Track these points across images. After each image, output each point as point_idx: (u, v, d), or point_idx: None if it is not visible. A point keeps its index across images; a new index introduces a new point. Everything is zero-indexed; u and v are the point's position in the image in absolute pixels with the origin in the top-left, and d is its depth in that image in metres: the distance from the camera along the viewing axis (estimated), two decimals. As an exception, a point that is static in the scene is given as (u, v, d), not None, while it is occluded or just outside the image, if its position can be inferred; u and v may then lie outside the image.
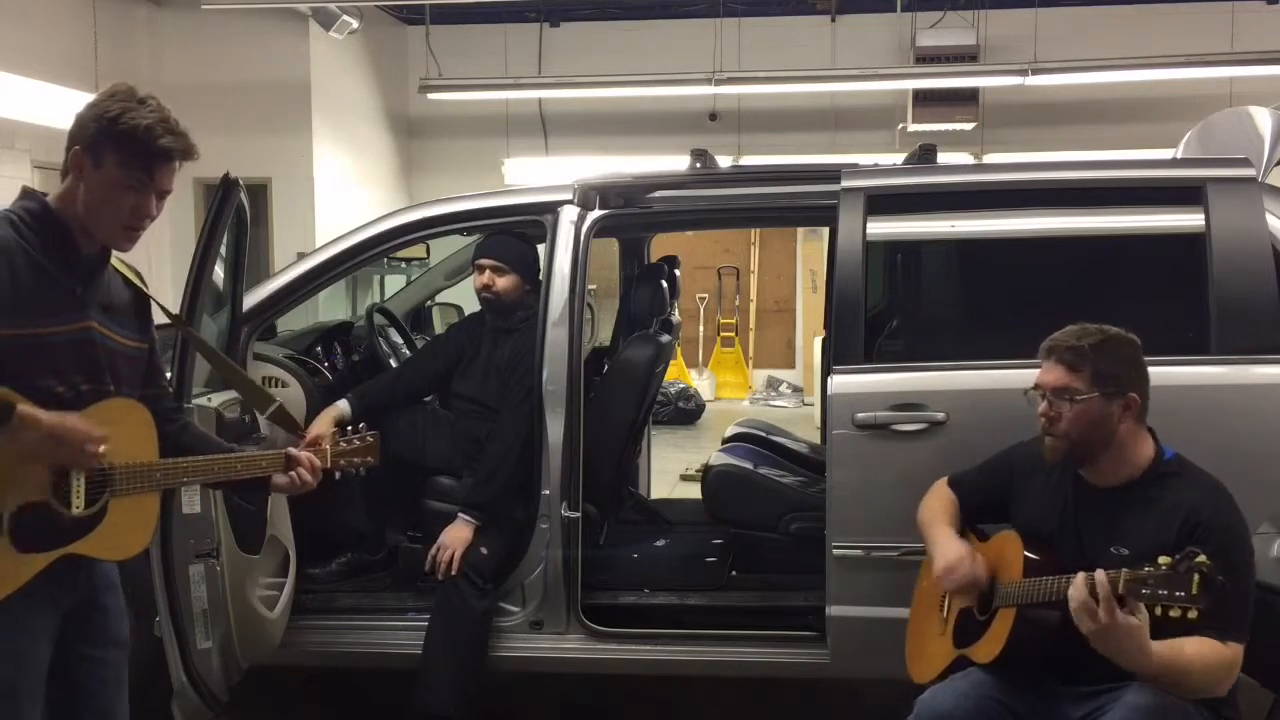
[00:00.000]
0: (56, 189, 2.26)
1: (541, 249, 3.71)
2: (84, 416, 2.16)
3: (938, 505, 2.95)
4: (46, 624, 2.25)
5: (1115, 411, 2.56)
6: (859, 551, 3.31)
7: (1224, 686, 2.41)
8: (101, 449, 2.13)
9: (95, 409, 2.21)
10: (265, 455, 2.54)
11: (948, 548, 2.78)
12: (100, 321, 2.26)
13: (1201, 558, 2.16)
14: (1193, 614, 2.17)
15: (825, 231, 5.06)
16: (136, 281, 2.42)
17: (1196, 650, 2.34)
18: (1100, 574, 2.27)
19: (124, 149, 2.18)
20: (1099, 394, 2.55)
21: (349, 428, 2.81)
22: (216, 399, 3.24)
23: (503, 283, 3.83)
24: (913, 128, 9.93)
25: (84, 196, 2.20)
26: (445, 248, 5.21)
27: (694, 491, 4.85)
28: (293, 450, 2.56)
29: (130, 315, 2.38)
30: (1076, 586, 2.30)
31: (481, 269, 3.86)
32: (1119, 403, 2.56)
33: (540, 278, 3.71)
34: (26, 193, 2.26)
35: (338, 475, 2.71)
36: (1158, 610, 2.21)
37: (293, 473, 2.54)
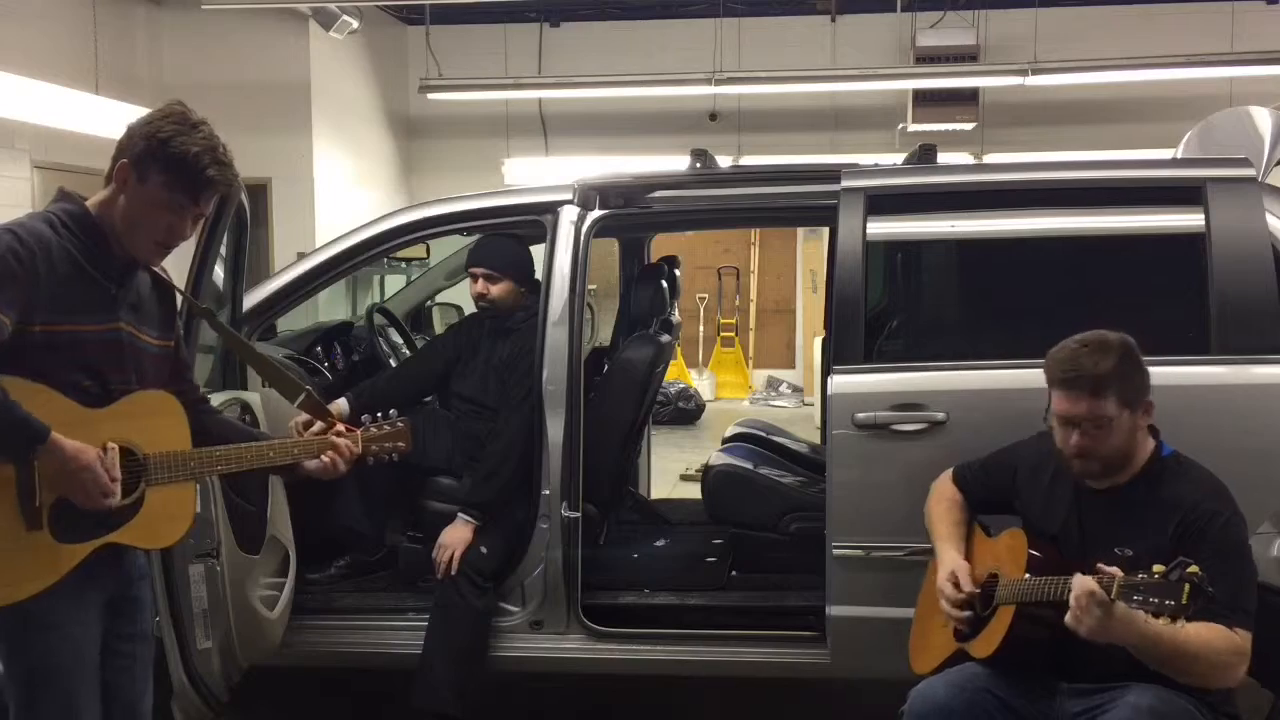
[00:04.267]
0: (97, 194, 2.31)
1: (541, 249, 3.71)
2: (118, 409, 2.25)
3: (942, 510, 2.94)
4: (96, 615, 2.33)
5: (1139, 420, 2.58)
6: (859, 551, 3.31)
7: (1235, 674, 2.40)
8: (111, 503, 2.20)
9: (128, 400, 2.29)
10: (299, 442, 2.58)
11: (944, 562, 2.79)
12: (130, 321, 2.33)
13: (1193, 568, 2.17)
14: (1181, 622, 2.18)
15: (825, 231, 5.06)
16: (163, 275, 2.48)
17: (1197, 632, 2.33)
18: (1092, 582, 2.28)
19: (171, 172, 2.23)
20: (1122, 409, 2.55)
21: (379, 414, 2.82)
22: (216, 399, 3.23)
23: (497, 290, 3.83)
24: (913, 128, 9.93)
25: (123, 209, 2.26)
26: (445, 248, 5.22)
27: (694, 491, 4.85)
28: (333, 437, 2.60)
29: (156, 313, 2.44)
30: (1076, 594, 2.31)
31: (475, 277, 3.86)
32: (1140, 409, 2.58)
33: (538, 278, 3.71)
34: (65, 194, 2.32)
35: (370, 461, 2.74)
36: (1149, 616, 2.22)
37: (325, 457, 2.58)
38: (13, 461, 2.11)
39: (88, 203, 2.30)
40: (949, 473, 3.01)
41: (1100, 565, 2.33)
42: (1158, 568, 2.22)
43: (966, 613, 2.70)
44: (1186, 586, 2.16)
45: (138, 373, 2.34)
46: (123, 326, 2.30)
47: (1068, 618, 2.34)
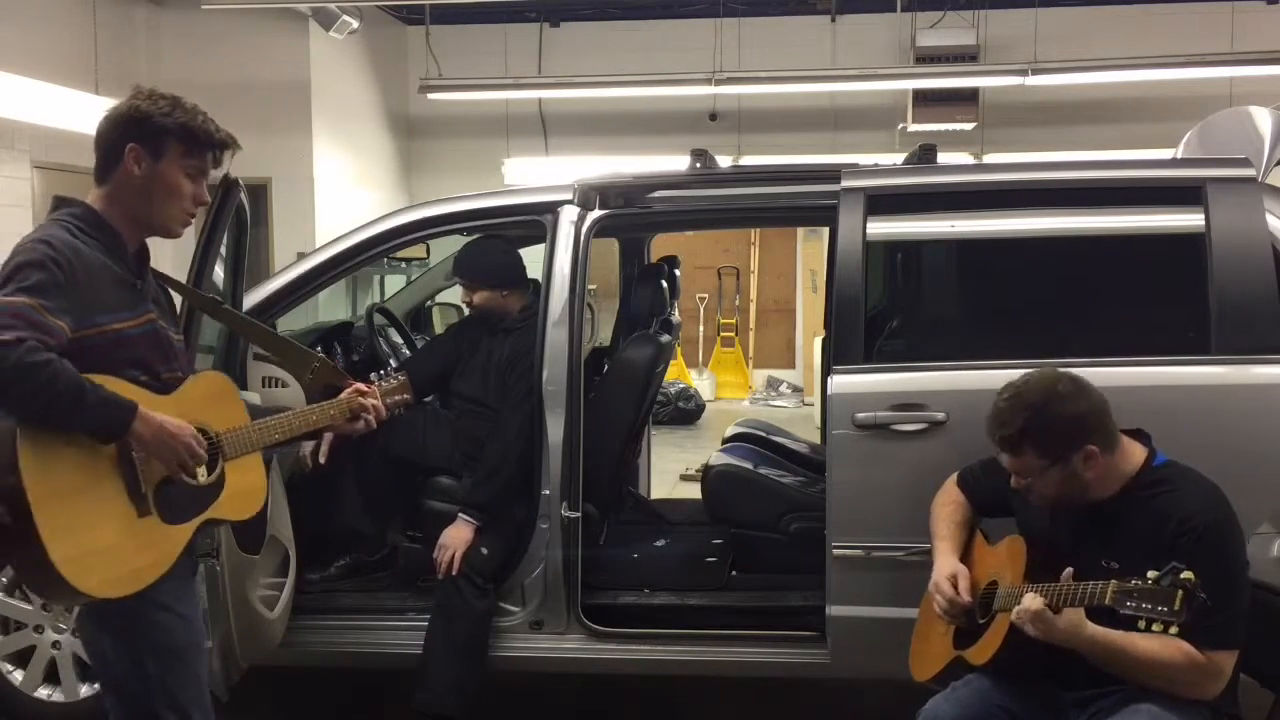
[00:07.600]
0: (91, 193, 2.35)
1: (540, 249, 3.72)
2: (182, 394, 2.34)
3: (944, 512, 2.94)
4: (195, 594, 2.48)
5: (1076, 467, 2.53)
6: (859, 551, 3.31)
7: (1202, 691, 2.39)
8: (200, 478, 2.31)
9: (190, 385, 2.38)
10: (334, 404, 2.71)
11: (942, 564, 2.80)
12: (155, 313, 2.39)
13: (1187, 574, 2.16)
14: (1174, 630, 2.18)
15: (825, 231, 5.06)
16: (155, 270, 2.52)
17: (1148, 645, 2.34)
18: (1038, 600, 2.38)
19: (187, 141, 2.32)
20: (1048, 464, 2.54)
21: (382, 370, 2.98)
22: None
23: (477, 299, 3.91)
24: (913, 128, 9.92)
25: (141, 190, 2.31)
26: (445, 248, 5.21)
27: (694, 491, 4.85)
28: (361, 399, 2.72)
29: (166, 305, 2.51)
30: (1018, 610, 2.41)
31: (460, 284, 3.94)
32: (1077, 458, 2.53)
33: (534, 278, 3.72)
34: (64, 200, 2.35)
35: (385, 414, 2.84)
36: (1141, 624, 2.23)
37: (364, 416, 2.72)
38: (108, 439, 2.16)
39: (88, 200, 2.33)
40: (952, 479, 3.01)
41: (1069, 572, 2.39)
42: (1152, 574, 2.20)
43: (959, 618, 2.69)
44: (1179, 593, 2.15)
45: (176, 361, 2.41)
46: (155, 318, 2.36)
47: (1014, 616, 2.41)
